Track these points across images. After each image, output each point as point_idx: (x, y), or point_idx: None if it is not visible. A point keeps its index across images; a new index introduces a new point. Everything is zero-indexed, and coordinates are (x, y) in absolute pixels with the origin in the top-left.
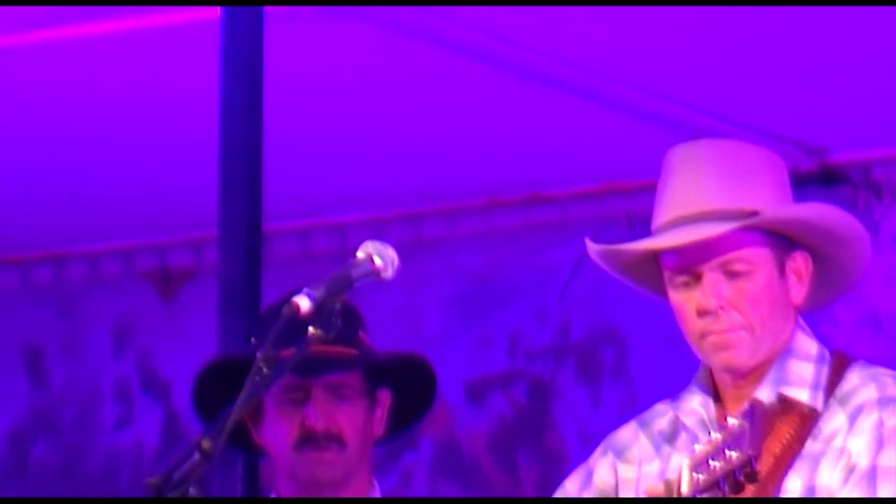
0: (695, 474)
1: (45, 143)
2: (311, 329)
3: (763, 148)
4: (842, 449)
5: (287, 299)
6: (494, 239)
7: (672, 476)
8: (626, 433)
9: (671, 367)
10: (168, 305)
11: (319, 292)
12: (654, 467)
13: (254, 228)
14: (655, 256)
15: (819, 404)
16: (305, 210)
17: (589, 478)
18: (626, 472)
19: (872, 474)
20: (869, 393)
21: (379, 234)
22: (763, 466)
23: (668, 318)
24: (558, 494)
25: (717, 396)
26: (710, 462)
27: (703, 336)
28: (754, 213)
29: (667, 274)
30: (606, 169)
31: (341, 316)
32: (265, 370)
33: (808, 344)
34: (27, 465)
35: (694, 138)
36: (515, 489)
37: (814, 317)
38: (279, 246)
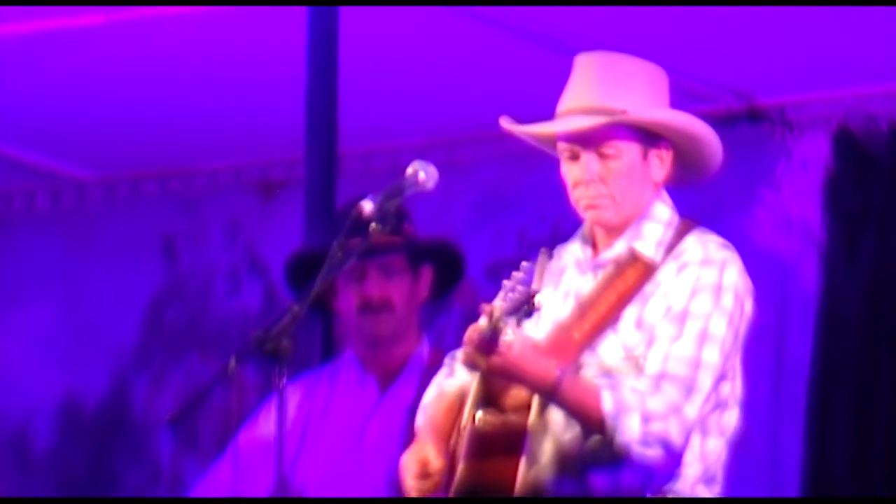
0: (500, 302)
1: (181, 92)
2: (372, 225)
3: (649, 63)
4: (666, 292)
5: (355, 203)
6: (507, 159)
7: (489, 306)
8: (544, 261)
9: None
10: (267, 207)
11: (378, 198)
12: (548, 289)
13: (330, 150)
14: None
15: (659, 258)
16: (369, 136)
17: None
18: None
19: (684, 314)
20: (696, 253)
21: (423, 155)
22: (608, 301)
23: None
24: None
25: (594, 244)
26: (508, 294)
27: (578, 200)
28: (624, 112)
29: (559, 150)
30: None
31: (394, 215)
32: (339, 255)
33: (663, 211)
34: (162, 325)
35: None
36: None
37: (741, 219)
38: (349, 164)
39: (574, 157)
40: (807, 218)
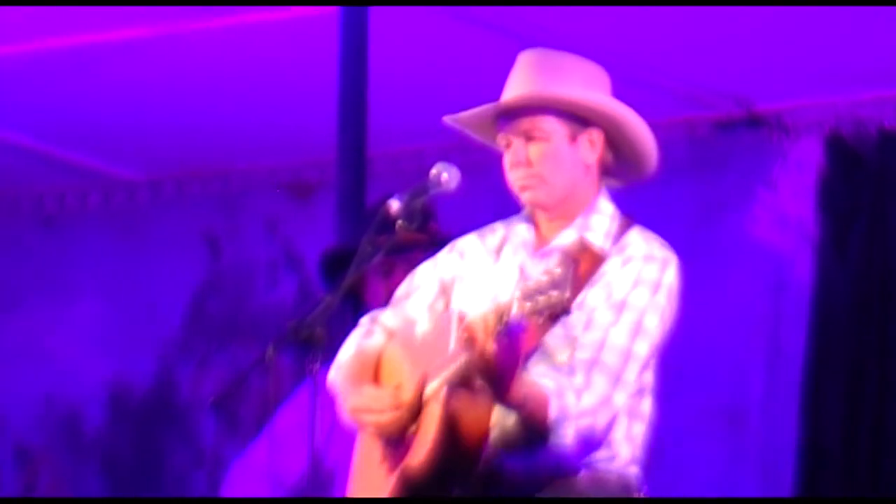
0: (525, 303)
1: (222, 99)
2: (399, 222)
3: (590, 62)
4: (609, 281)
5: (383, 202)
6: None
7: (503, 303)
8: (468, 240)
9: None
10: (302, 206)
11: (405, 198)
12: (483, 268)
13: (360, 153)
14: (495, 127)
15: (607, 248)
16: (396, 140)
17: (435, 267)
18: (463, 268)
19: (622, 304)
20: (640, 248)
21: (446, 157)
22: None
23: None
24: (411, 281)
25: (537, 228)
26: (537, 297)
27: (513, 184)
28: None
29: (498, 143)
30: None
31: (420, 213)
32: (368, 250)
33: (606, 206)
34: (205, 316)
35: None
36: None
37: (740, 216)
38: (378, 165)
39: (508, 145)
40: (801, 215)
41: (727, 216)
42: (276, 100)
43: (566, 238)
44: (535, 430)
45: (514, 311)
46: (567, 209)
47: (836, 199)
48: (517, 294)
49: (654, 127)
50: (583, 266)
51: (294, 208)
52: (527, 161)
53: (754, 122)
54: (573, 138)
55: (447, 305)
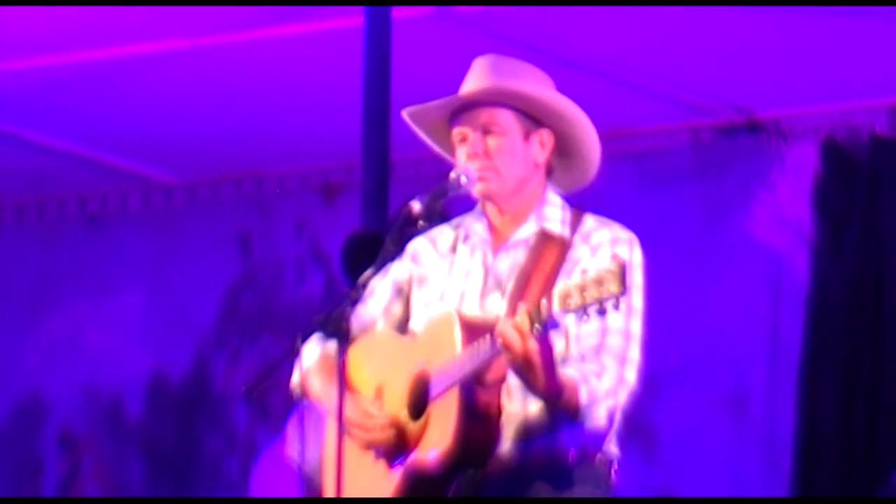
0: (572, 299)
1: (254, 108)
2: (419, 222)
3: (536, 67)
4: (584, 269)
5: (405, 203)
6: None
7: (529, 305)
8: (418, 244)
9: None
10: (328, 207)
11: (425, 199)
12: (442, 268)
13: (383, 158)
14: (450, 124)
15: (567, 235)
16: (418, 145)
17: (387, 273)
18: (418, 270)
19: None
20: (604, 234)
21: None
22: (544, 273)
23: None
24: (366, 291)
25: (491, 224)
26: (585, 293)
27: (468, 178)
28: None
29: (453, 138)
30: None
31: (438, 213)
32: (391, 248)
33: (555, 199)
34: (238, 309)
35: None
36: None
37: (741, 217)
38: (400, 169)
39: (463, 140)
40: (798, 216)
41: (729, 217)
42: (304, 108)
43: (527, 231)
44: (567, 415)
45: (556, 307)
46: (517, 204)
47: (831, 200)
48: (561, 291)
49: (661, 132)
50: (552, 252)
51: (321, 209)
52: (484, 153)
53: (754, 129)
54: (526, 136)
55: (404, 307)
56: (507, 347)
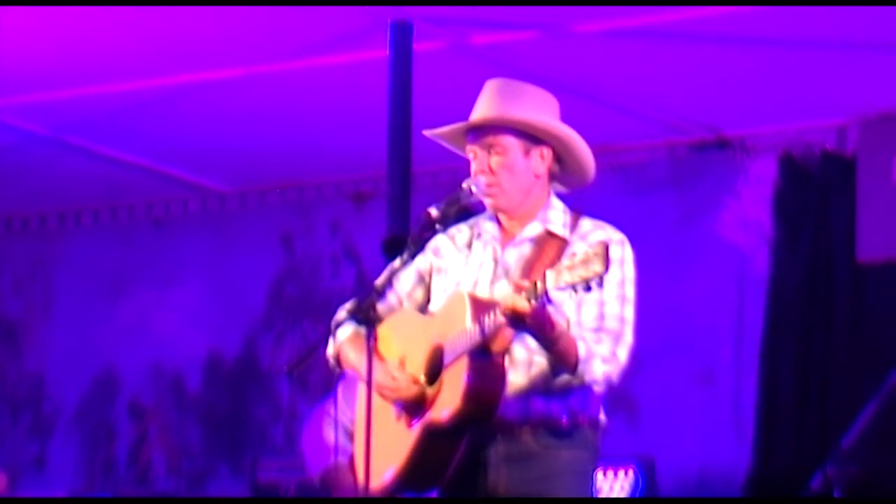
0: (563, 276)
1: (297, 127)
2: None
3: (541, 90)
4: (573, 253)
5: (425, 210)
6: None
7: (526, 283)
8: (440, 240)
9: None
10: (359, 212)
11: (442, 206)
12: (459, 260)
13: (406, 170)
14: (465, 138)
15: (567, 236)
16: (437, 159)
17: (411, 265)
18: (438, 262)
19: (605, 282)
20: (600, 235)
21: None
22: (543, 265)
23: None
24: (391, 273)
25: (501, 225)
26: (580, 269)
27: (478, 186)
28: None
29: (467, 152)
30: None
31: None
32: (412, 248)
33: (558, 203)
34: (282, 298)
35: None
36: None
37: (711, 219)
38: (421, 180)
39: (474, 157)
40: (760, 219)
41: (700, 220)
42: (339, 128)
43: (532, 230)
44: (567, 368)
45: (550, 284)
46: (523, 210)
47: (788, 206)
48: (553, 272)
49: (641, 148)
50: (553, 248)
51: (352, 213)
52: (489, 169)
53: (722, 145)
54: (527, 152)
55: (426, 293)
56: (512, 310)
